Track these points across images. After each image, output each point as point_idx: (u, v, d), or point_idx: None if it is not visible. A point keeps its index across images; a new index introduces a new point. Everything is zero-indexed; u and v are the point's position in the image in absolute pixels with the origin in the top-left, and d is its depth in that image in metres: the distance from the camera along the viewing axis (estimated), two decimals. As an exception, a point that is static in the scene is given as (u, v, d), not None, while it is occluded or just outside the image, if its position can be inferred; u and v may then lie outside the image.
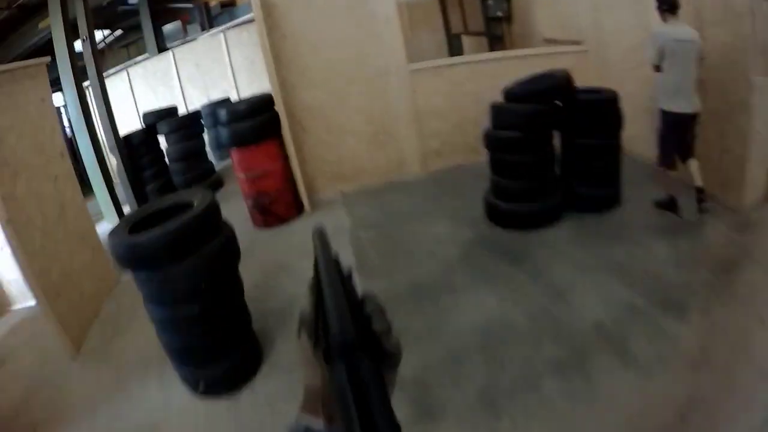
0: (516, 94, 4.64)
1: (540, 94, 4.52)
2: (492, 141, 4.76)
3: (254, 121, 5.47)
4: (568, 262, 4.12)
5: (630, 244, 4.20)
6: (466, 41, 9.42)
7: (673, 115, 4.28)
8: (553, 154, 4.70)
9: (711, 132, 4.47)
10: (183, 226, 2.93)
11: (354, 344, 0.54)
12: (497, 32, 8.81)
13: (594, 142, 4.67)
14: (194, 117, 8.61)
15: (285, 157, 5.75)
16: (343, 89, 5.98)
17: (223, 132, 5.57)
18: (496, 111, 4.73)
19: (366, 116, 6.15)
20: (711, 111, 4.35)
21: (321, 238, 0.82)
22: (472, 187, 5.45)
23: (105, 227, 6.52)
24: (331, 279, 0.69)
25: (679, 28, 4.12)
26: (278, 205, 5.73)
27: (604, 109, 4.66)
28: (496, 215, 4.89)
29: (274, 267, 4.85)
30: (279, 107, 5.58)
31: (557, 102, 4.59)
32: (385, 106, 6.14)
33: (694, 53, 4.10)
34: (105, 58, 15.00)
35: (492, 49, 8.79)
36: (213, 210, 3.22)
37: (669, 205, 4.53)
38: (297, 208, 5.93)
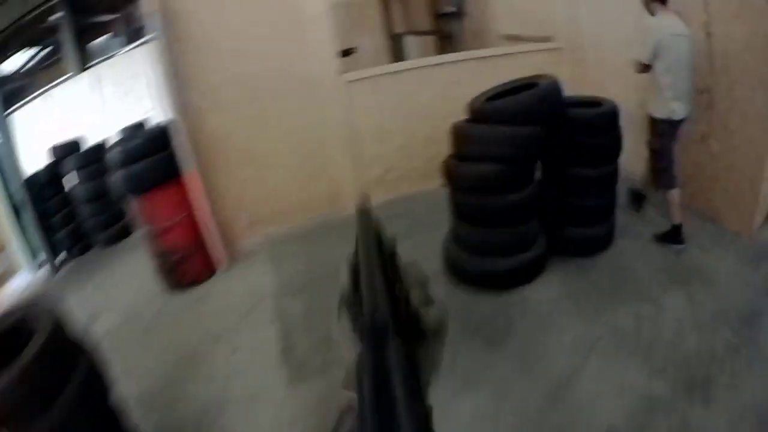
0: (489, 112, 3.43)
1: (524, 112, 3.32)
2: (456, 177, 3.55)
3: (149, 162, 4.19)
4: (563, 337, 3.09)
5: (636, 301, 3.28)
6: (411, 42, 8.21)
7: (668, 123, 3.68)
8: (537, 192, 3.57)
9: (716, 146, 3.87)
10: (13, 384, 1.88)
11: (384, 326, 0.55)
12: (448, 30, 7.62)
13: (590, 172, 3.62)
14: (103, 150, 7.20)
15: (194, 202, 4.51)
16: (261, 110, 4.73)
17: (114, 176, 4.27)
18: (462, 136, 3.51)
19: (290, 142, 4.90)
20: (718, 122, 3.78)
21: (363, 215, 0.90)
22: (425, 226, 4.36)
23: (21, 280, 5.88)
24: (368, 257, 0.75)
25: (672, 21, 3.51)
26: (190, 263, 4.46)
27: (604, 128, 3.60)
28: (461, 272, 3.71)
29: (182, 355, 3.59)
30: (181, 139, 4.33)
31: (546, 122, 3.43)
32: (313, 129, 4.92)
33: (689, 50, 3.54)
34: (31, 80, 13.42)
35: (442, 50, 7.58)
36: (58, 341, 2.08)
37: (672, 236, 3.79)
38: (214, 265, 4.69)
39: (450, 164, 3.54)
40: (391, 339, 0.55)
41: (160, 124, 4.64)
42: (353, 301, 0.74)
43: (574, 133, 3.53)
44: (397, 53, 8.00)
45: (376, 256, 0.73)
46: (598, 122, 3.57)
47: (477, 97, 3.59)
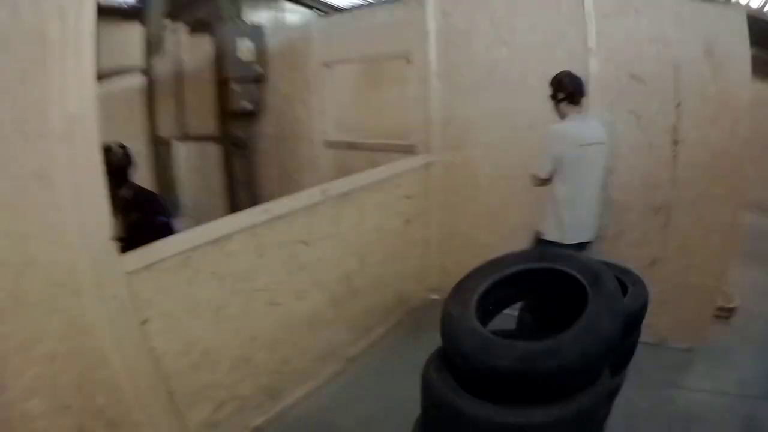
0: (535, 375, 1.73)
1: (593, 365, 1.80)
2: None
3: None
4: None
5: None
6: (183, 151, 6.02)
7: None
8: None
9: (668, 269, 3.49)
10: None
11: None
12: (240, 134, 5.47)
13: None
14: None
15: None
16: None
17: None
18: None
19: (53, 394, 2.24)
20: (676, 243, 3.45)
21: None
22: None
23: None
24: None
25: (585, 126, 3.00)
26: None
27: (640, 318, 2.46)
28: None
29: None
30: None
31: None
32: (86, 367, 2.34)
33: (603, 160, 3.07)
34: None
35: (229, 161, 5.47)
36: None
37: None
38: None
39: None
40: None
41: None
42: None
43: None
44: (160, 165, 5.71)
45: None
46: (641, 313, 2.40)
47: (461, 313, 1.94)
